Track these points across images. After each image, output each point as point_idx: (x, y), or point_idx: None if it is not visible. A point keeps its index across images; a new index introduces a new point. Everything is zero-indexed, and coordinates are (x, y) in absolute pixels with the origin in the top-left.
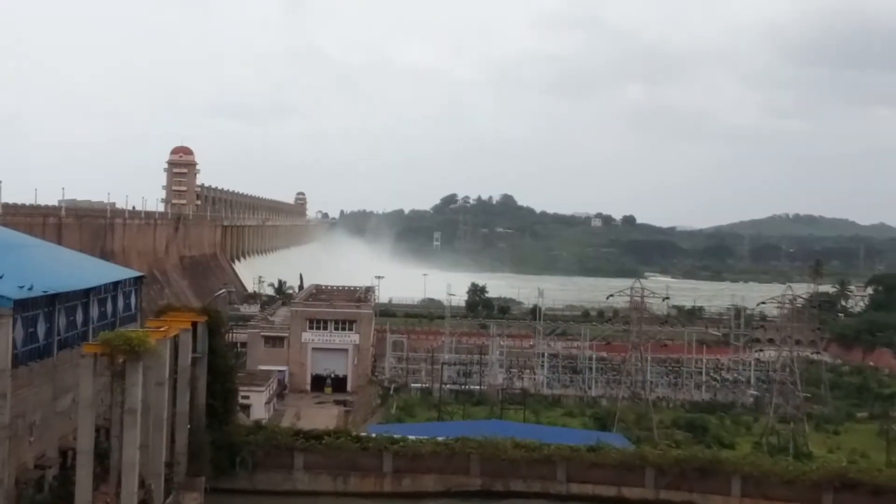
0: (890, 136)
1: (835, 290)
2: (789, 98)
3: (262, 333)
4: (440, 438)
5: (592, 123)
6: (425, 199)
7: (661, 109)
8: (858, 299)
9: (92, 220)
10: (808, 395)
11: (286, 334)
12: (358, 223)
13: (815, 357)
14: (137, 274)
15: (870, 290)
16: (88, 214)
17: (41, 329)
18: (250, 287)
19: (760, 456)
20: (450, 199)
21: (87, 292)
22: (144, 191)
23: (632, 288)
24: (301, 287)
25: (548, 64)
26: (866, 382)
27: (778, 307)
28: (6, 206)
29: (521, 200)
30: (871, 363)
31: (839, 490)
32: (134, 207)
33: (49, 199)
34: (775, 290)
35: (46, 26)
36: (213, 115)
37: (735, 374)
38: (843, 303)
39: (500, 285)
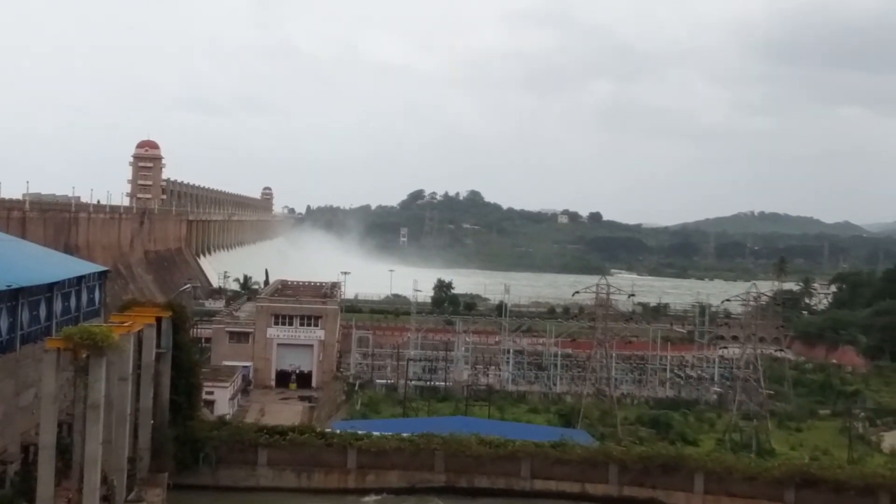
0: (856, 136)
1: (799, 287)
2: (758, 96)
3: (227, 329)
4: (405, 435)
5: (561, 121)
6: (392, 195)
7: (630, 107)
8: (822, 297)
9: (56, 214)
10: (772, 392)
11: (251, 330)
12: (325, 219)
13: (778, 354)
14: (102, 268)
15: (833, 288)
16: (53, 208)
17: (4, 324)
18: (215, 282)
19: (723, 453)
20: (417, 195)
21: (50, 287)
22: (110, 185)
23: (597, 285)
24: (267, 282)
25: (518, 60)
26: (829, 380)
27: (742, 304)
28: None
29: (489, 197)
30: (834, 361)
31: (801, 487)
32: (99, 201)
33: (13, 192)
34: (740, 287)
35: (9, 18)
36: (180, 108)
37: (699, 371)
38: (807, 300)
39: (466, 282)
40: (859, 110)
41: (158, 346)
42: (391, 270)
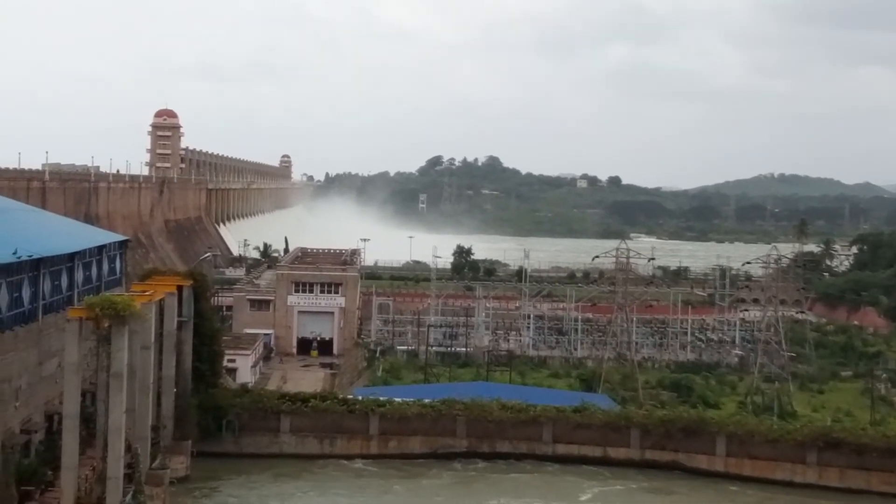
0: (875, 95)
1: (819, 249)
2: (775, 57)
3: (248, 297)
4: (426, 401)
5: (577, 84)
6: (411, 162)
7: (646, 69)
8: (843, 258)
9: (76, 184)
10: (793, 354)
11: (272, 297)
12: (343, 186)
13: (799, 316)
14: (122, 238)
15: (854, 250)
16: (72, 178)
17: (26, 294)
18: (235, 250)
19: (745, 415)
20: (435, 161)
21: (71, 256)
22: (128, 154)
23: (617, 249)
24: (286, 250)
25: (532, 24)
26: (851, 341)
27: (763, 267)
28: None
29: (507, 162)
30: (856, 322)
31: (823, 449)
32: (118, 171)
33: (33, 162)
34: (760, 249)
35: None
36: (196, 77)
37: (720, 335)
38: (828, 262)
39: (485, 247)
40: (878, 69)
41: (180, 314)
42: (411, 237)
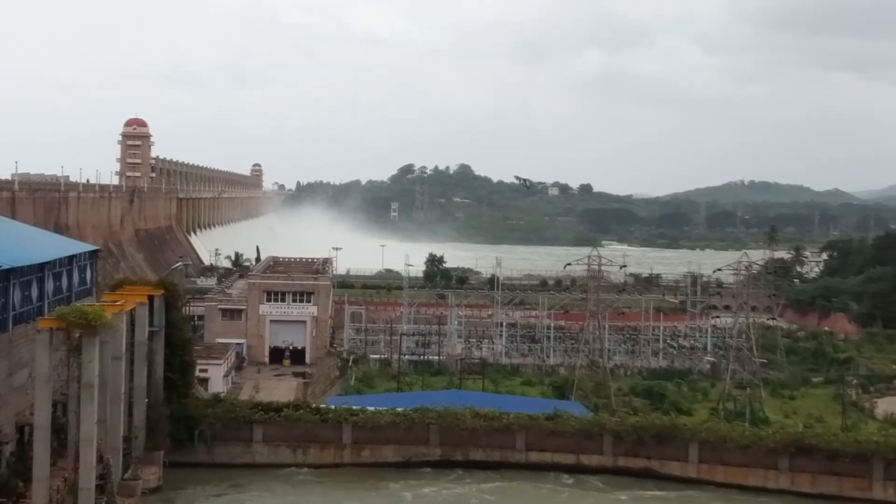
0: (846, 102)
1: (790, 256)
2: (749, 63)
3: (220, 306)
4: (399, 409)
5: (550, 92)
6: (382, 170)
7: (620, 76)
8: (813, 265)
9: (46, 193)
10: (765, 360)
11: (244, 307)
12: (315, 194)
13: (770, 323)
14: (92, 248)
15: (824, 256)
16: (42, 188)
17: None
18: (207, 260)
19: (717, 422)
20: (407, 170)
21: (41, 266)
22: (99, 163)
23: (589, 256)
24: (258, 259)
25: (505, 31)
26: (822, 347)
27: (734, 274)
28: None
29: (479, 170)
30: (827, 328)
31: (795, 455)
32: (88, 181)
33: (2, 172)
34: (731, 256)
35: None
36: (166, 84)
37: (692, 341)
38: (799, 268)
39: (457, 255)
40: (850, 76)
41: (151, 324)
42: (383, 245)
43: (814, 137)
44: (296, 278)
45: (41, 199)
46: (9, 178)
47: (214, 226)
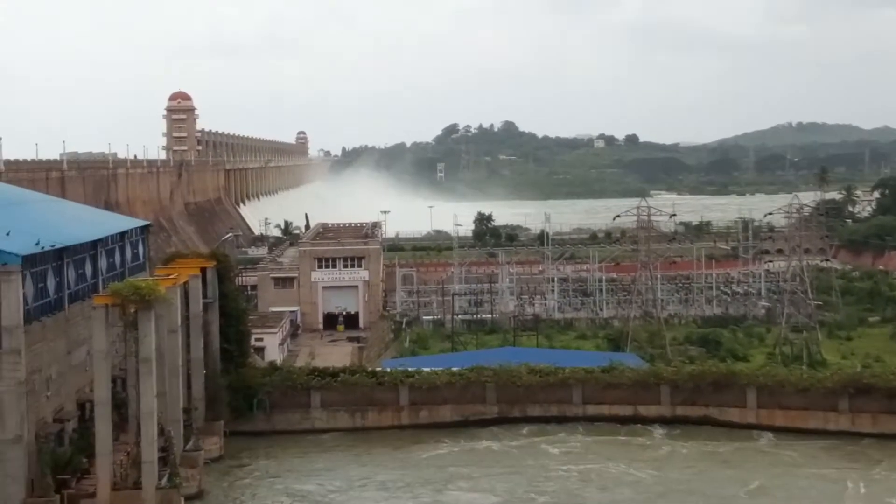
0: (892, 38)
1: (841, 196)
2: (791, 3)
3: (272, 275)
4: (455, 369)
5: (591, 42)
6: (427, 131)
7: (660, 23)
8: (865, 204)
9: (94, 171)
10: (820, 302)
11: (295, 275)
12: (360, 159)
13: (824, 265)
14: (143, 223)
15: (876, 195)
16: (91, 166)
17: (51, 284)
18: (257, 229)
19: (774, 366)
20: (451, 129)
21: (94, 244)
22: (144, 139)
23: (638, 207)
24: (307, 227)
25: None
26: (877, 287)
27: (785, 217)
28: (8, 162)
29: (523, 126)
30: (881, 267)
31: (854, 396)
32: (135, 156)
33: (50, 152)
34: (782, 200)
35: None
36: (208, 54)
37: (745, 287)
38: (851, 208)
39: (506, 213)
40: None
41: (205, 296)
42: (431, 206)
43: (860, 75)
44: (346, 244)
45: (90, 177)
46: (57, 157)
47: (262, 195)
